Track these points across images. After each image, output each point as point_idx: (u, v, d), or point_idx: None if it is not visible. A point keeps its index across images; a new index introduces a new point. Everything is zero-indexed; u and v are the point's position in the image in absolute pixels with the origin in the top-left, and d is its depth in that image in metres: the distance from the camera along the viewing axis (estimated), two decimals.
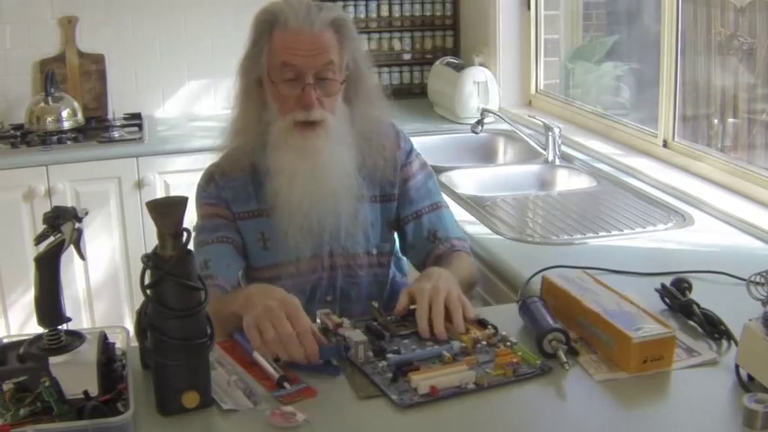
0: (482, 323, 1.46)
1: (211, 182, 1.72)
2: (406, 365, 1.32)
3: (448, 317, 1.44)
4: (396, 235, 1.81)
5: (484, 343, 1.40)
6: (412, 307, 1.49)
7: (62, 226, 1.23)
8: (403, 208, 1.78)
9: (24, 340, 1.26)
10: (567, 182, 2.74)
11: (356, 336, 1.39)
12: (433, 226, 1.77)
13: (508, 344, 1.40)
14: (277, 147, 1.65)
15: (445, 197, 1.93)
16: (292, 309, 1.35)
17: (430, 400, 1.25)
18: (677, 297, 1.55)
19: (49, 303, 1.22)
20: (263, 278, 1.70)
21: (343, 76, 1.65)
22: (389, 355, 1.35)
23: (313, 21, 1.60)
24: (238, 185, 1.70)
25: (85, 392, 1.19)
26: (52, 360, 1.20)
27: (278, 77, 1.62)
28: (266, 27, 1.65)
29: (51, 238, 1.23)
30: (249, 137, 1.68)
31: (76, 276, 3.08)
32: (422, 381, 1.26)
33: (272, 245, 1.70)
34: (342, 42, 1.64)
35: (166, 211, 1.18)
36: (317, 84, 1.61)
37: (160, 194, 3.11)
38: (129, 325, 1.43)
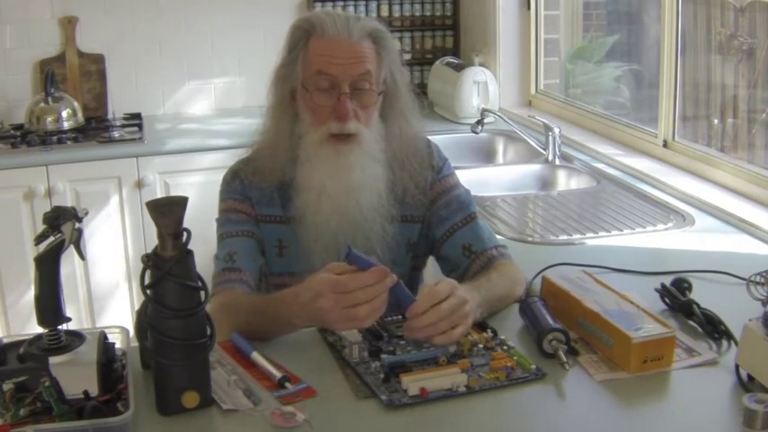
0: (481, 326, 1.46)
1: (237, 179, 1.68)
2: (399, 367, 1.32)
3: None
4: (435, 259, 1.75)
5: (480, 346, 1.40)
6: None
7: (62, 226, 1.23)
8: (437, 228, 1.69)
9: (24, 340, 1.26)
10: (567, 182, 2.75)
11: (352, 336, 1.39)
12: (467, 240, 1.67)
13: (505, 348, 1.40)
14: (308, 160, 1.60)
15: None
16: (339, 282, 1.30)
17: (420, 401, 1.24)
18: (677, 297, 1.56)
19: (49, 303, 1.22)
20: (277, 284, 1.66)
21: (380, 89, 1.60)
22: (383, 356, 1.35)
23: (351, 30, 1.56)
24: (264, 188, 1.65)
25: (85, 392, 1.19)
26: (52, 360, 1.20)
27: (312, 86, 1.57)
28: (303, 35, 1.59)
29: (51, 238, 1.23)
30: (280, 151, 1.63)
31: (76, 276, 3.08)
32: (412, 382, 1.26)
33: (287, 253, 1.66)
34: (380, 54, 1.59)
35: (166, 211, 1.18)
36: (353, 94, 1.56)
37: (160, 194, 3.11)
38: (129, 325, 1.43)
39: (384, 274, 1.30)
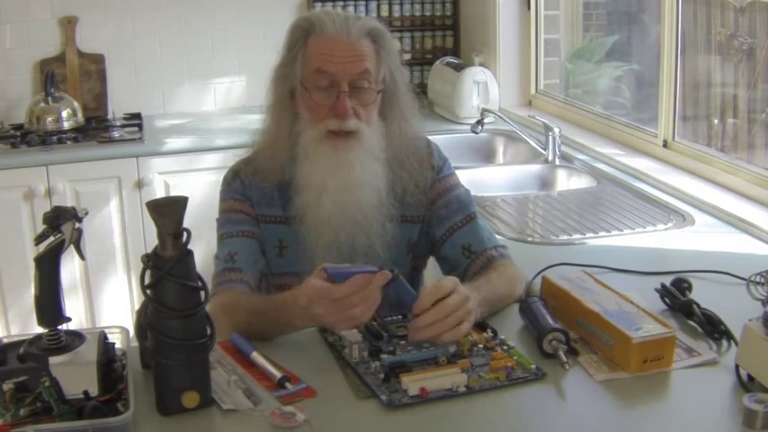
0: (481, 326, 1.46)
1: (237, 179, 1.68)
2: (399, 367, 1.32)
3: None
4: (436, 259, 1.75)
5: (480, 346, 1.40)
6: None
7: (62, 226, 1.23)
8: (437, 228, 1.69)
9: (24, 340, 1.26)
10: (567, 182, 2.75)
11: (352, 336, 1.39)
12: (467, 240, 1.67)
13: (505, 348, 1.40)
14: (307, 158, 1.60)
15: None
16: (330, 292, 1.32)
17: (420, 401, 1.24)
18: (677, 297, 1.56)
19: (49, 303, 1.22)
20: (278, 285, 1.67)
21: (379, 87, 1.60)
22: (383, 356, 1.35)
23: (350, 29, 1.56)
24: (264, 189, 1.65)
25: (85, 392, 1.19)
26: (52, 360, 1.20)
27: (311, 85, 1.57)
28: (302, 34, 1.59)
29: (51, 238, 1.23)
30: (280, 150, 1.63)
31: (76, 276, 3.08)
32: (412, 382, 1.26)
33: (287, 253, 1.66)
34: (379, 53, 1.59)
35: (166, 211, 1.18)
36: (352, 93, 1.56)
37: (160, 194, 3.11)
38: (129, 325, 1.43)
39: (368, 280, 1.30)
